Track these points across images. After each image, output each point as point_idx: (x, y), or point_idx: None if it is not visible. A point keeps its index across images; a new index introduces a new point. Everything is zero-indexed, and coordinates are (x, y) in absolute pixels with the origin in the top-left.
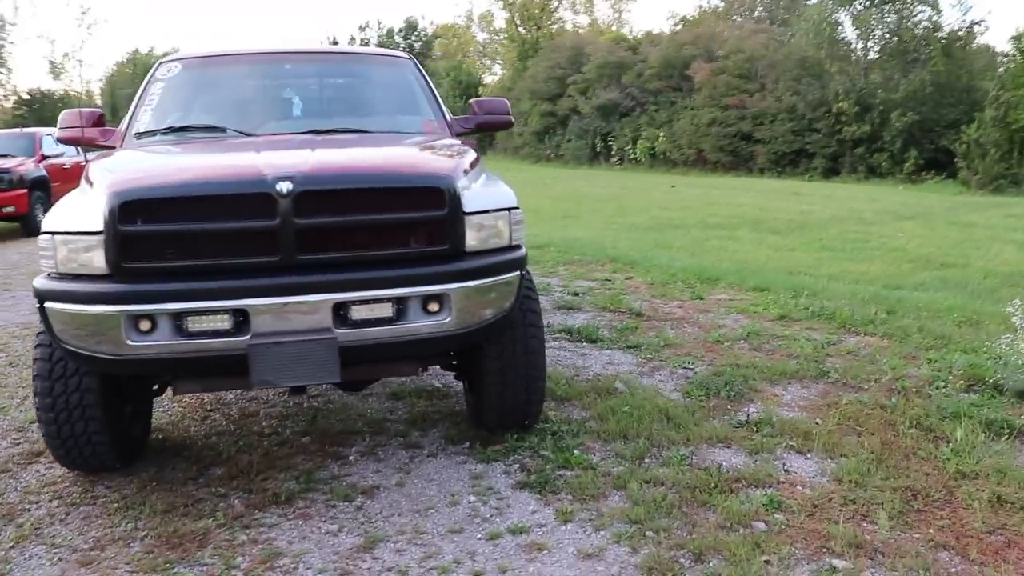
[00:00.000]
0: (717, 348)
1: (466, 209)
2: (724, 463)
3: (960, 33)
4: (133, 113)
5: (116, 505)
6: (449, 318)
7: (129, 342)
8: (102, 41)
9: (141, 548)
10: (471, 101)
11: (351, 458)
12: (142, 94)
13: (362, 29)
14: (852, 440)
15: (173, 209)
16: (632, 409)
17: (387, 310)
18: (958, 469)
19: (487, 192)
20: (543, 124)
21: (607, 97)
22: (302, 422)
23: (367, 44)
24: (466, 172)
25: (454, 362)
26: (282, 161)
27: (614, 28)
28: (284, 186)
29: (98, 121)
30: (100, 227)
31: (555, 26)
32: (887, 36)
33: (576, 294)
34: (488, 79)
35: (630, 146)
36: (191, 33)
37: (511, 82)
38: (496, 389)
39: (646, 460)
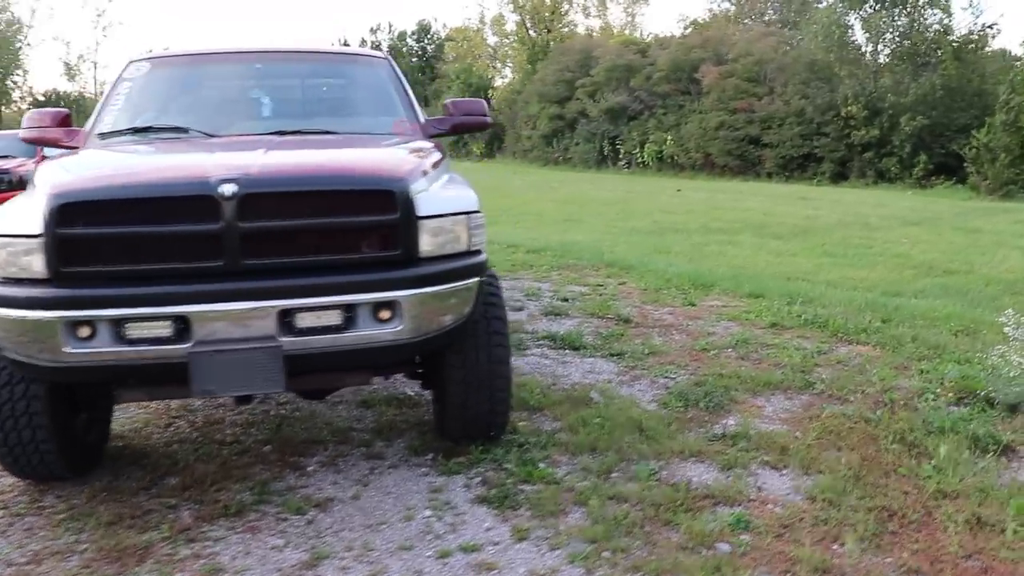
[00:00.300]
0: (703, 357)
1: (420, 213)
2: (694, 479)
3: (973, 36)
4: (98, 113)
5: (62, 516)
6: (401, 326)
7: (67, 349)
8: (117, 43)
9: (79, 562)
10: (446, 102)
11: (310, 469)
12: (109, 94)
13: (373, 32)
14: (831, 456)
15: (113, 212)
16: (604, 421)
17: (335, 318)
18: (939, 488)
19: (445, 195)
20: (551, 127)
21: (615, 100)
22: (266, 430)
23: (378, 46)
24: (425, 174)
25: (420, 370)
26: (229, 163)
27: (627, 32)
28: (228, 188)
29: (64, 121)
30: (39, 230)
31: (565, 29)
32: (897, 39)
33: (566, 299)
34: (499, 82)
35: (638, 150)
36: (204, 36)
37: (520, 85)
38: (459, 399)
39: (613, 475)
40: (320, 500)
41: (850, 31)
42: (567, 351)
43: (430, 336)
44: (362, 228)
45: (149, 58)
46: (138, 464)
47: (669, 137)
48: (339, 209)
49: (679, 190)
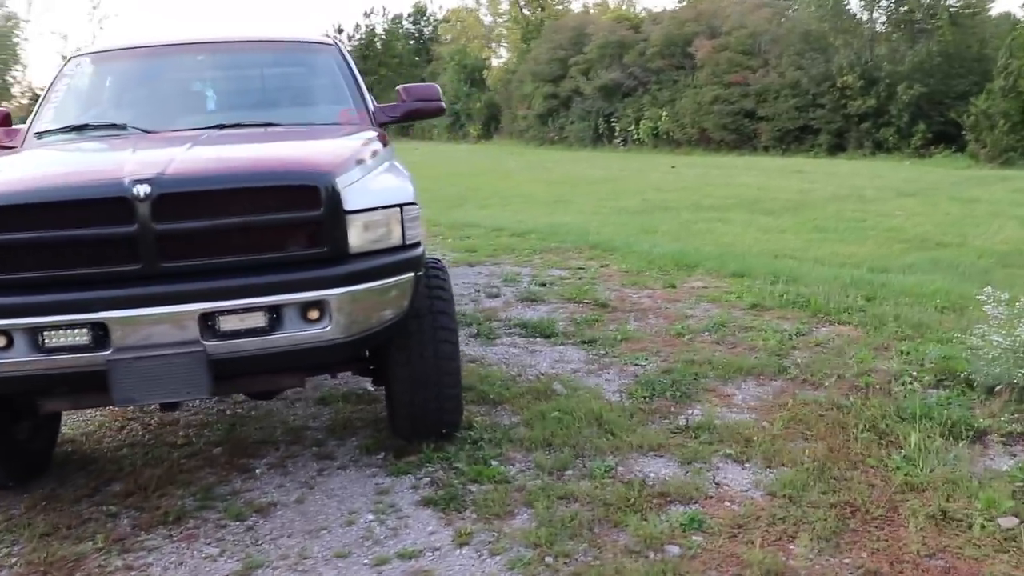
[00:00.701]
0: (677, 342)
1: (348, 207)
2: (651, 475)
3: (972, 0)
4: (37, 112)
5: (11, 522)
6: (330, 326)
7: None
8: (113, 36)
9: None
10: (398, 88)
11: (258, 471)
12: (48, 91)
13: (367, 15)
14: (797, 447)
15: (26, 216)
16: (564, 414)
17: (260, 320)
18: (906, 480)
19: (377, 188)
20: (546, 106)
21: (609, 77)
22: (219, 431)
23: (372, 30)
24: (359, 164)
25: (371, 367)
26: (146, 162)
27: (623, 7)
28: (141, 189)
29: (3, 121)
30: None
31: (559, 7)
32: (893, 6)
33: (544, 284)
34: (495, 63)
35: (633, 127)
36: (200, 24)
37: (515, 65)
38: (406, 397)
39: (567, 472)
40: (263, 505)
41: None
42: (538, 339)
43: (364, 335)
44: (286, 225)
45: (90, 53)
46: (85, 470)
47: (664, 113)
48: (260, 207)
49: (673, 167)
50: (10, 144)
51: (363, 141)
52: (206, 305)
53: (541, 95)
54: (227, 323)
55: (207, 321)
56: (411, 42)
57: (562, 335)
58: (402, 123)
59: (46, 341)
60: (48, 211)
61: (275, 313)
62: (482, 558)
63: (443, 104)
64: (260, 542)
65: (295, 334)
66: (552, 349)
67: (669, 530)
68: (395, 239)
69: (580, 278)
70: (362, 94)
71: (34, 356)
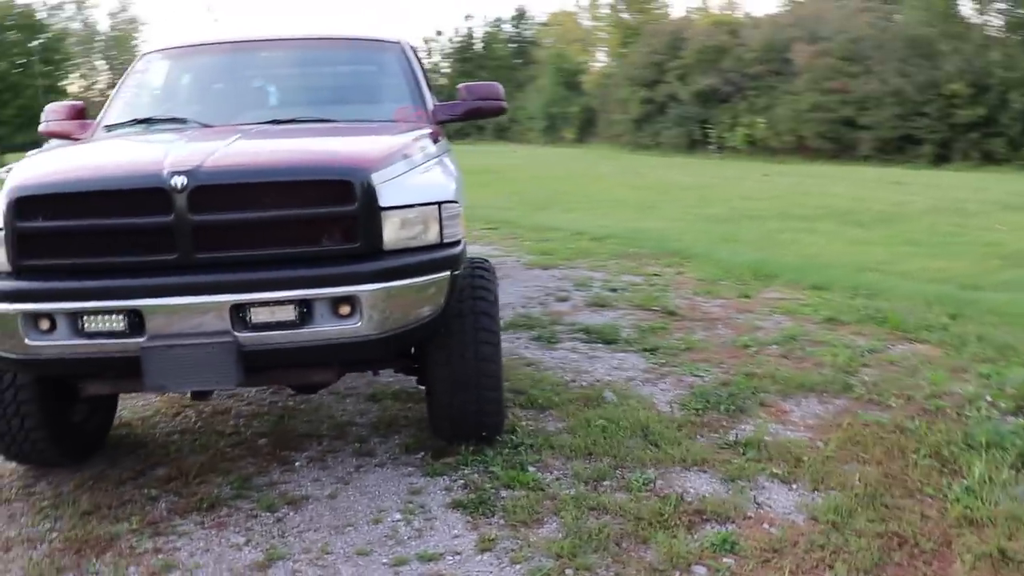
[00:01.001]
0: (742, 354)
1: (384, 204)
2: (691, 491)
3: None
4: (108, 106)
5: (46, 503)
6: (361, 322)
7: (28, 341)
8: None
9: (45, 551)
10: (459, 86)
11: (297, 464)
12: (120, 86)
13: (467, 18)
14: (849, 470)
15: (70, 205)
16: (610, 423)
17: (290, 313)
18: (964, 513)
19: (417, 184)
20: (642, 111)
21: (705, 83)
22: (267, 422)
23: (471, 33)
24: (402, 160)
25: (415, 365)
26: (187, 154)
27: (727, 12)
28: (178, 180)
29: (78, 114)
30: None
31: (659, 10)
32: (1008, 9)
33: (614, 290)
34: (593, 67)
35: (728, 133)
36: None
37: (612, 69)
38: (445, 398)
39: (604, 483)
40: (296, 498)
41: (955, 3)
42: (599, 345)
43: (398, 332)
44: (319, 220)
45: (160, 50)
46: (135, 453)
47: (760, 120)
48: (293, 200)
49: (765, 175)
50: (80, 137)
51: (413, 138)
52: (238, 296)
53: (637, 100)
54: (258, 315)
55: (239, 312)
56: (511, 45)
57: (624, 342)
58: (462, 121)
59: (86, 326)
60: (92, 200)
61: (306, 307)
62: (502, 565)
63: (504, 104)
64: (286, 534)
65: (326, 329)
66: (612, 356)
67: (699, 549)
68: (432, 237)
69: (652, 284)
70: (422, 92)
71: (74, 340)
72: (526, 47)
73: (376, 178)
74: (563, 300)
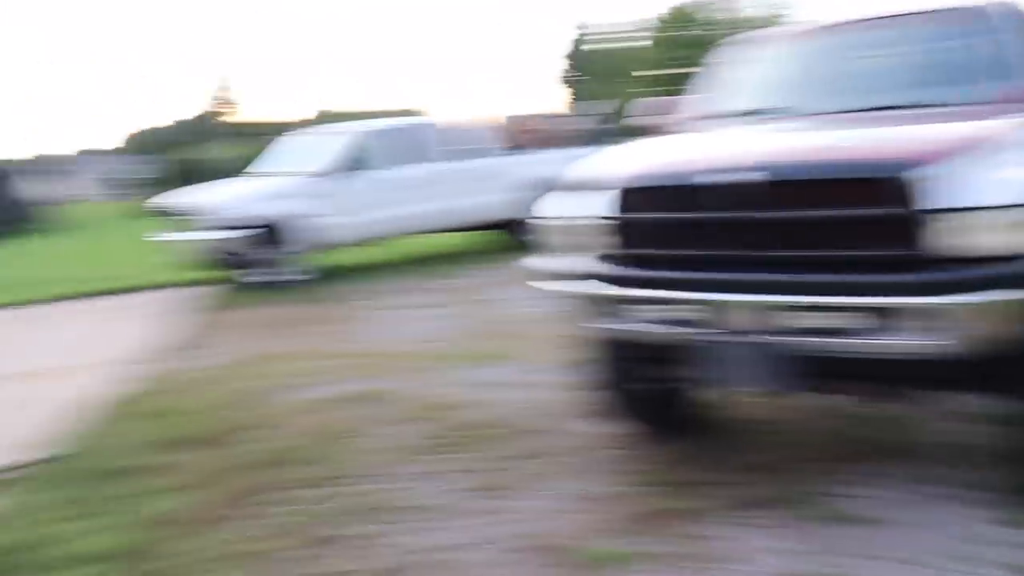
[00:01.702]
0: None
1: (964, 204)
2: None
3: None
4: (694, 96)
5: (643, 468)
6: (938, 338)
7: (610, 326)
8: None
9: (602, 509)
10: None
11: (872, 479)
12: (707, 77)
13: None
14: None
15: (667, 198)
16: None
17: (857, 320)
18: None
19: (1017, 180)
20: None
21: None
22: (871, 429)
23: None
24: (993, 153)
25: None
26: (761, 150)
27: None
28: (753, 176)
29: (667, 108)
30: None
31: None
32: None
33: None
34: None
35: None
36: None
37: None
38: None
39: None
40: (849, 515)
41: None
42: None
43: (989, 351)
44: (875, 222)
45: (746, 40)
46: (726, 438)
47: None
48: (849, 200)
49: None
50: (680, 127)
51: (1013, 126)
52: (808, 299)
53: None
54: (826, 320)
55: (802, 315)
56: None
57: None
58: None
59: (666, 315)
60: (694, 193)
61: (872, 316)
62: None
63: None
64: (815, 552)
65: (895, 342)
66: None
67: None
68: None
69: None
70: None
71: (656, 327)
72: None
73: (939, 174)
74: None
